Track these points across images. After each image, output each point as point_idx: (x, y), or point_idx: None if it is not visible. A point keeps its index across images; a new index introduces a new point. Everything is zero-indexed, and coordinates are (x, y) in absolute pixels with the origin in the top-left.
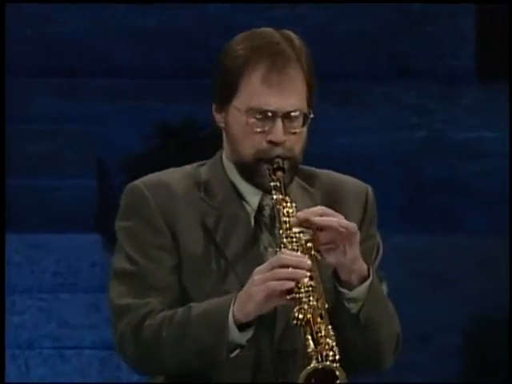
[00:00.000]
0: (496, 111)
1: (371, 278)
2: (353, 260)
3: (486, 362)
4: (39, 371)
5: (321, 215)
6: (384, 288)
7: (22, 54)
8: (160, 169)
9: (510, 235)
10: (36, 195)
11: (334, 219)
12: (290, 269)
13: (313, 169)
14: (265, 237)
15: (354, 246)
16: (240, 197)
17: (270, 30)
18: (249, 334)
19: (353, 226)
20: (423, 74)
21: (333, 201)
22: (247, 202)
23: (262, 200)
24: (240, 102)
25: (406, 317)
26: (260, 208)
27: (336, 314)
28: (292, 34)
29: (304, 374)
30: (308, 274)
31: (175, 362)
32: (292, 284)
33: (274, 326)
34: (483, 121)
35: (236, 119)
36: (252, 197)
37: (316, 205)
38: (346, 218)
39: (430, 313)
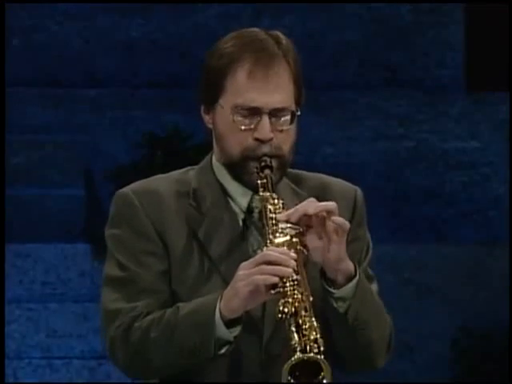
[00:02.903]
0: (483, 121)
1: (358, 277)
2: (338, 260)
3: (474, 371)
4: (28, 381)
5: (315, 208)
6: (374, 287)
7: (9, 65)
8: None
9: (510, 245)
10: (24, 205)
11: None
12: (275, 267)
13: (301, 172)
14: (254, 239)
15: (340, 246)
16: (229, 198)
17: (256, 29)
18: (236, 330)
19: (344, 223)
20: (410, 83)
21: None
22: (236, 204)
23: (251, 201)
24: (226, 100)
25: (394, 326)
26: (249, 210)
27: (325, 313)
28: (279, 34)
29: (288, 365)
30: (293, 270)
31: (164, 363)
32: (276, 279)
33: (262, 329)
34: (470, 131)
35: (223, 117)
36: (241, 198)
37: None
38: None
39: (417, 322)
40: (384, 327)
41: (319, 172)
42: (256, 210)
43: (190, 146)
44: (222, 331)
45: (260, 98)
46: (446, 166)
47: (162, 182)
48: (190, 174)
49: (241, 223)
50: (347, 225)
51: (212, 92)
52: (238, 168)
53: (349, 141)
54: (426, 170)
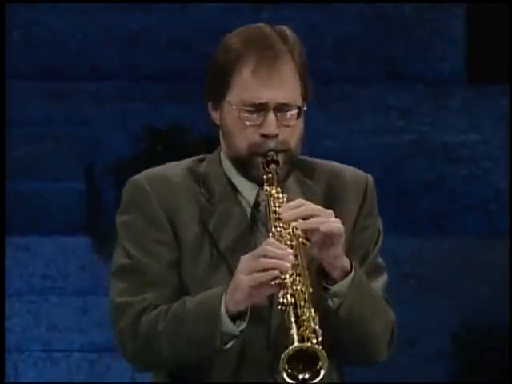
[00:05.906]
0: (484, 114)
1: (353, 273)
2: (335, 257)
3: (474, 366)
4: (28, 374)
5: (307, 216)
6: (383, 279)
7: (9, 58)
8: None
9: (510, 238)
10: (24, 199)
11: (320, 220)
12: (274, 260)
13: (312, 160)
14: (260, 233)
15: (337, 245)
16: (236, 192)
17: (263, 24)
18: (242, 324)
19: (338, 228)
20: (411, 77)
21: (332, 192)
22: (244, 198)
23: (258, 196)
24: (232, 96)
25: (395, 320)
26: (256, 204)
27: (322, 309)
28: (286, 29)
29: (285, 355)
30: (291, 264)
31: (172, 355)
32: (276, 273)
33: (269, 320)
34: (471, 124)
35: (229, 114)
36: (248, 192)
37: (316, 197)
38: (345, 208)
39: (418, 316)
40: (383, 321)
41: None
42: (262, 204)
43: (190, 140)
44: (227, 325)
45: (265, 94)
46: (446, 160)
47: (175, 170)
48: (200, 164)
49: (249, 216)
50: (341, 229)
51: (219, 89)
52: (244, 163)
53: (349, 134)
54: (427, 164)
